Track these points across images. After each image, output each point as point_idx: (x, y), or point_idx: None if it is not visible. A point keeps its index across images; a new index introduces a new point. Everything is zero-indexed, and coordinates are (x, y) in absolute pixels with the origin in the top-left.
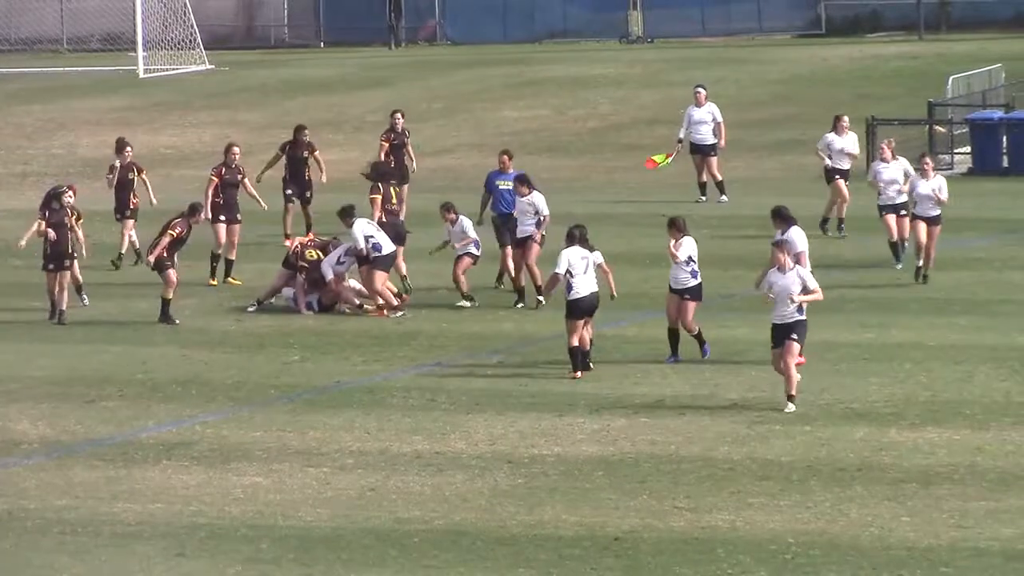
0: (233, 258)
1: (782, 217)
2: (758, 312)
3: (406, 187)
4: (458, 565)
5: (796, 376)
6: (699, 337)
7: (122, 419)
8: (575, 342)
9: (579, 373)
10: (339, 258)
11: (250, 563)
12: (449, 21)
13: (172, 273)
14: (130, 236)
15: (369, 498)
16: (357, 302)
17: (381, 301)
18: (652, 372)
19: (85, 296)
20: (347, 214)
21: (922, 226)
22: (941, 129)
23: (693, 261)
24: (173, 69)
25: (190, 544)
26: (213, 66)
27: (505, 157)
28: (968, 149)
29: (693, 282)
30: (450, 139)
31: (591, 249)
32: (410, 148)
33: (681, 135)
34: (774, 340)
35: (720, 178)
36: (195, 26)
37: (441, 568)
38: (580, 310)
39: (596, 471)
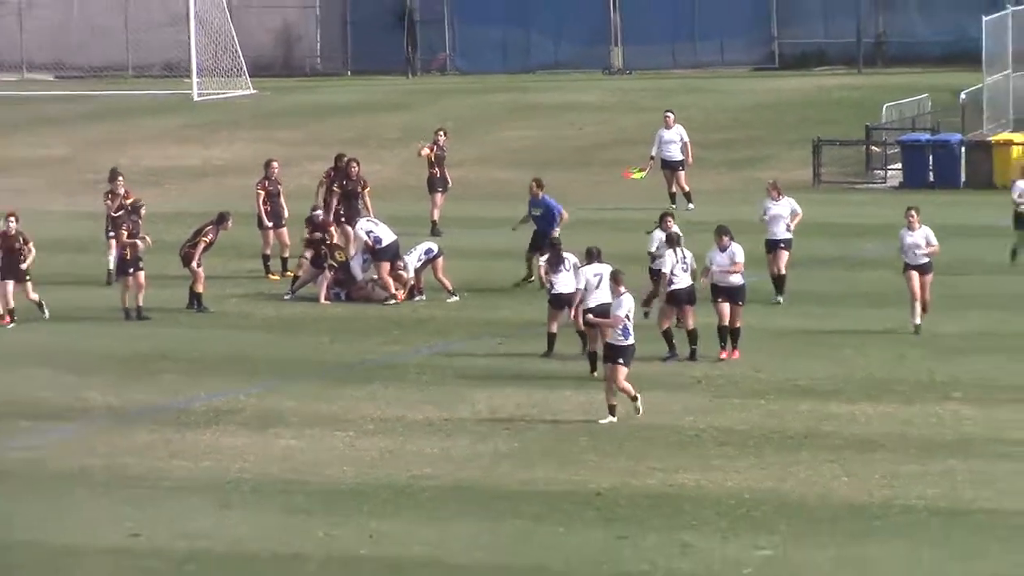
0: (287, 255)
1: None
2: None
3: (444, 194)
4: (463, 515)
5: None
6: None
7: (177, 390)
8: (594, 348)
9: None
10: (362, 258)
11: (286, 513)
12: (458, 54)
13: (201, 271)
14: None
15: (387, 458)
16: (384, 295)
17: (393, 287)
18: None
19: (46, 311)
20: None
21: (914, 275)
22: (876, 149)
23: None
24: (222, 93)
25: (235, 497)
26: (256, 91)
27: (533, 185)
28: (900, 166)
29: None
30: (458, 155)
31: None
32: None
33: (653, 152)
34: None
35: (687, 189)
36: (241, 56)
37: (448, 518)
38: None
39: (581, 437)
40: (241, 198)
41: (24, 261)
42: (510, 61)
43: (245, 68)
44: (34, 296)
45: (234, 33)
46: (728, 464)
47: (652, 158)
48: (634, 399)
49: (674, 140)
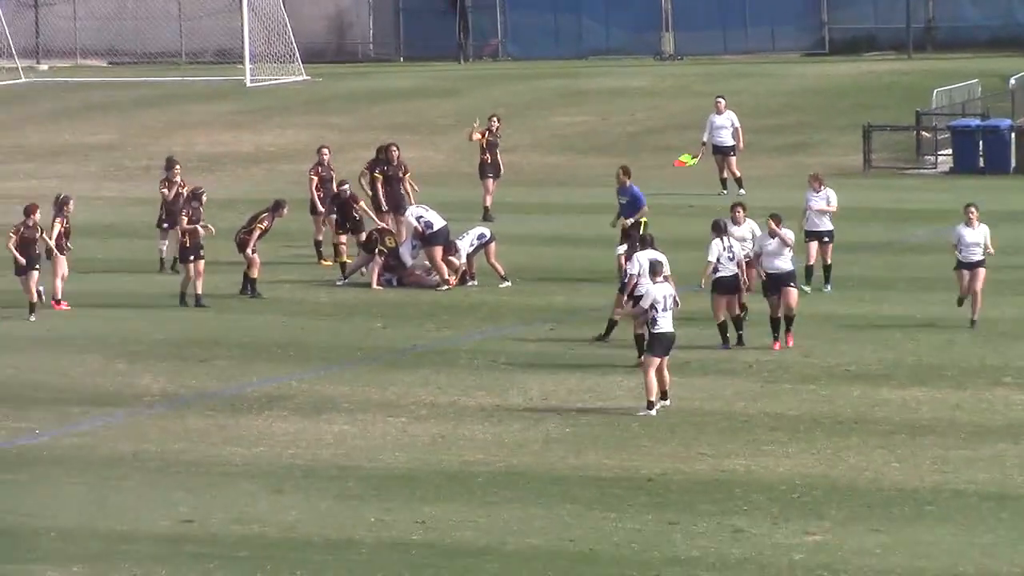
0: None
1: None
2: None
3: (497, 180)
4: (515, 501)
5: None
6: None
7: (230, 376)
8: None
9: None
10: (412, 244)
11: (339, 499)
12: (510, 40)
13: (256, 257)
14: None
15: (440, 444)
16: (436, 280)
17: (446, 273)
18: (680, 338)
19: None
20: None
21: (966, 274)
22: (927, 134)
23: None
24: (275, 79)
25: (288, 482)
26: (309, 77)
27: (620, 172)
28: (950, 152)
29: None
30: (510, 140)
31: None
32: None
33: (704, 138)
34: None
35: (739, 174)
36: (294, 43)
37: (500, 503)
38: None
39: (632, 422)
40: (294, 184)
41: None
42: (561, 47)
43: (298, 54)
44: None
45: (287, 19)
46: (779, 449)
47: (703, 144)
48: (662, 395)
49: (725, 126)
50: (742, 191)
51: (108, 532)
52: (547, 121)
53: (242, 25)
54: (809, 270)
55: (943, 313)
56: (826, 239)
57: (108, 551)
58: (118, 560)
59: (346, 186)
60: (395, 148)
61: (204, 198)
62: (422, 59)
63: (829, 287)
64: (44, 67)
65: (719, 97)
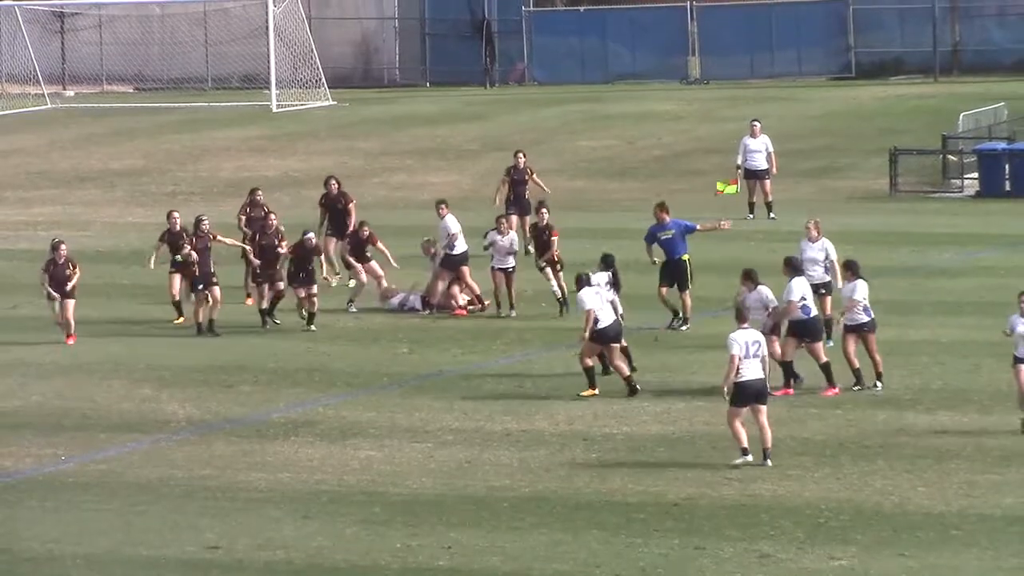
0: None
1: (791, 266)
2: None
3: (527, 218)
4: (541, 526)
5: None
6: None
7: (256, 402)
8: None
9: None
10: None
11: (365, 524)
12: (536, 65)
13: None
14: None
15: (466, 469)
16: (462, 301)
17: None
18: (707, 363)
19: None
20: (443, 203)
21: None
22: (953, 158)
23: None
24: (301, 104)
25: (314, 508)
26: (335, 102)
27: (658, 210)
28: (976, 175)
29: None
30: (536, 165)
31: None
32: (536, 178)
33: (739, 161)
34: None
35: (770, 199)
36: (320, 68)
37: (527, 528)
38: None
39: (658, 447)
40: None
41: (70, 281)
42: (587, 71)
43: (324, 79)
44: (70, 312)
45: (313, 45)
46: (805, 474)
47: (739, 167)
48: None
49: (759, 149)
50: (772, 215)
51: (134, 558)
52: (573, 145)
53: (268, 51)
54: (826, 323)
55: (969, 337)
56: (823, 291)
57: None
58: None
59: (310, 235)
60: (522, 154)
61: (205, 226)
62: (448, 84)
63: (831, 342)
64: (70, 93)
65: (754, 120)
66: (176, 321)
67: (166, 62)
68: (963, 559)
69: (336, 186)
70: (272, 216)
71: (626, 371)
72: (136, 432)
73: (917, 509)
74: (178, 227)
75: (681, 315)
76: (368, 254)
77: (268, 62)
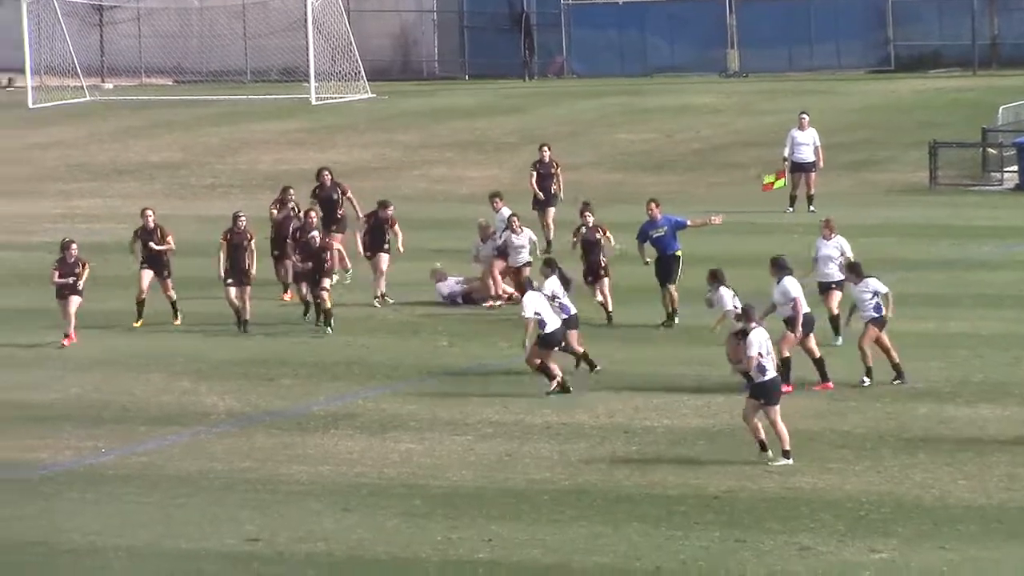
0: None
1: (778, 266)
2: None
3: (551, 210)
4: (581, 519)
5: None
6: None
7: (296, 395)
8: None
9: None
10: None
11: (405, 517)
12: (574, 57)
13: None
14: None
15: (506, 462)
16: (505, 294)
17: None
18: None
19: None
20: (497, 195)
21: None
22: (992, 151)
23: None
24: (340, 97)
25: (354, 500)
26: (374, 95)
27: (652, 205)
28: (1016, 168)
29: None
30: (575, 157)
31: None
32: (559, 172)
33: (786, 154)
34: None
35: (813, 192)
36: (359, 61)
37: (567, 521)
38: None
39: (699, 440)
40: (362, 200)
41: (80, 279)
42: (626, 64)
43: (363, 72)
44: (72, 308)
45: (352, 37)
46: (846, 467)
47: (785, 159)
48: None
49: (807, 142)
50: (812, 209)
51: (175, 550)
52: (611, 138)
53: (307, 43)
54: (833, 320)
55: (1009, 330)
56: (834, 286)
57: (174, 570)
58: None
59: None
60: (547, 147)
61: (242, 222)
62: (487, 77)
63: (840, 339)
64: (109, 85)
65: (803, 113)
66: (136, 324)
67: (205, 55)
68: (1004, 552)
69: (329, 177)
70: (312, 213)
71: (580, 351)
72: (176, 425)
73: (958, 502)
74: (152, 224)
75: (669, 312)
76: (387, 241)
77: (307, 55)
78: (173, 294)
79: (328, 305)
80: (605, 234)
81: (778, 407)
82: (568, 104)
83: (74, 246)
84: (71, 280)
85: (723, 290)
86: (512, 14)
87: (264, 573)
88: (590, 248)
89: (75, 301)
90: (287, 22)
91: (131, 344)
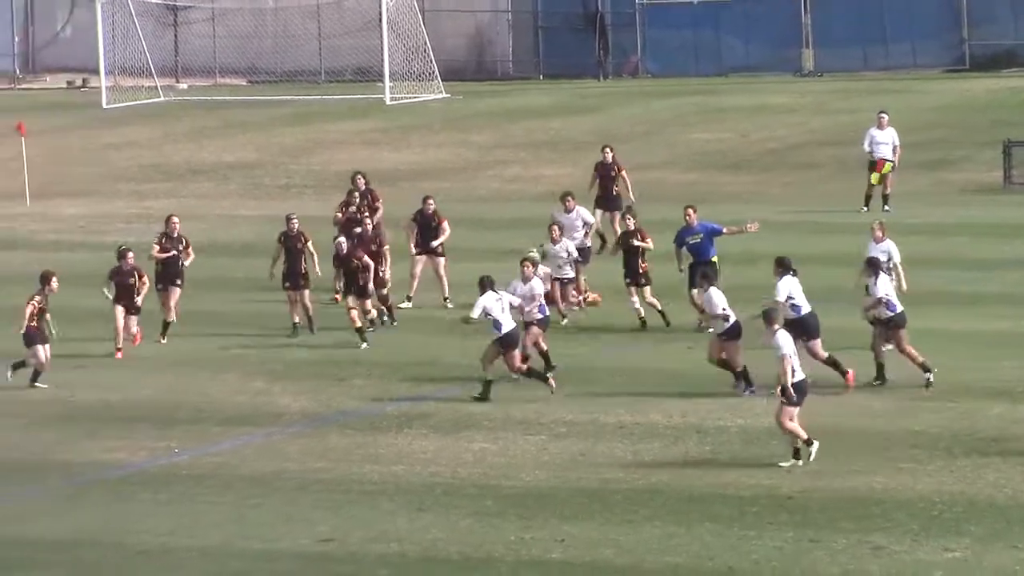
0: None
1: (783, 266)
2: (907, 305)
3: (617, 214)
4: (654, 519)
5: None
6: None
7: (369, 395)
8: None
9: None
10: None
11: (478, 516)
12: (649, 57)
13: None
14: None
15: (580, 462)
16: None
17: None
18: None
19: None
20: (569, 194)
21: None
22: None
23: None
24: (415, 97)
25: (427, 500)
26: (449, 95)
27: (690, 211)
28: None
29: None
30: (649, 157)
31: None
32: (625, 174)
33: (867, 149)
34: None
35: (889, 191)
36: (434, 61)
37: (640, 521)
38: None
39: (772, 440)
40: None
41: (139, 294)
42: (701, 64)
43: (438, 72)
44: (133, 327)
45: (427, 38)
46: (918, 467)
47: (870, 153)
48: (807, 443)
49: (886, 141)
50: (887, 208)
51: (248, 551)
52: (686, 138)
53: (382, 43)
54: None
55: None
56: None
57: (248, 570)
58: None
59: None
60: (609, 148)
61: (295, 224)
62: (561, 77)
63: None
64: (183, 86)
65: (882, 112)
66: (161, 340)
67: (279, 55)
68: None
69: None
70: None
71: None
72: (250, 425)
73: None
74: (176, 232)
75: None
76: (438, 241)
77: (382, 55)
78: (174, 316)
79: (357, 324)
80: (644, 239)
81: (797, 409)
82: (642, 104)
83: (130, 255)
84: (134, 300)
85: (712, 290)
86: (587, 14)
87: (337, 573)
88: (631, 253)
89: (133, 320)
90: (362, 22)
91: (204, 345)
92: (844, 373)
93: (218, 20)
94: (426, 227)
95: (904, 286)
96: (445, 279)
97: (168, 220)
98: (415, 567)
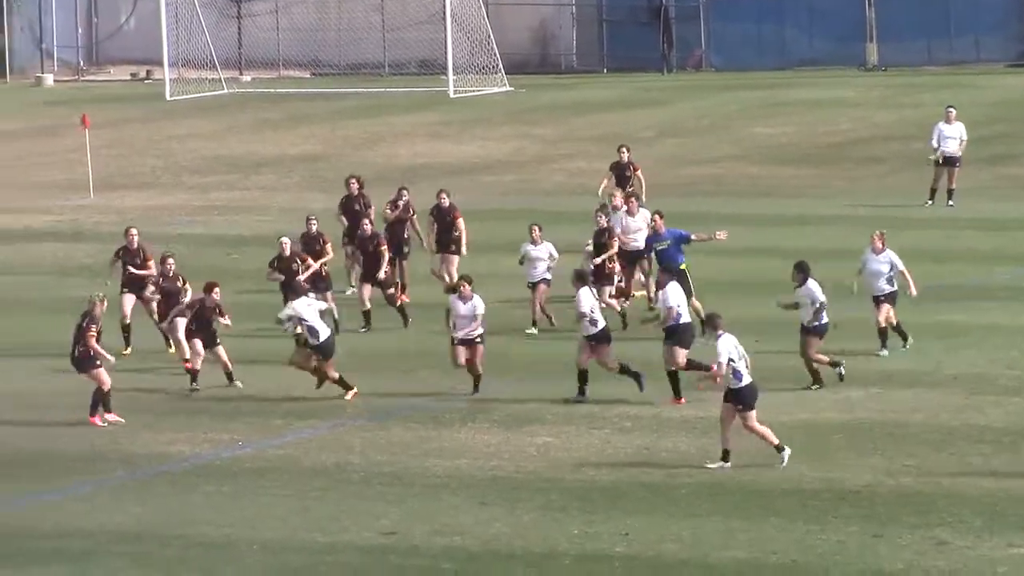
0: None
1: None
2: (971, 300)
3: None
4: (717, 513)
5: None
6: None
7: (433, 388)
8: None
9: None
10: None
11: (542, 510)
12: (713, 51)
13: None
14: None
15: (644, 456)
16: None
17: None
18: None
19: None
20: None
21: None
22: None
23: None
24: (478, 90)
25: (491, 494)
26: (512, 88)
27: (658, 217)
28: None
29: None
30: (713, 151)
31: None
32: (640, 174)
33: (935, 143)
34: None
35: (953, 187)
36: (497, 54)
37: (703, 516)
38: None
39: (836, 434)
40: (500, 194)
41: (183, 300)
42: (765, 57)
43: (501, 65)
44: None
45: (490, 31)
46: (983, 462)
47: (936, 148)
48: (778, 448)
49: (953, 136)
50: (951, 203)
51: (310, 544)
52: (750, 132)
53: (445, 36)
54: (882, 332)
55: None
56: (883, 299)
57: (311, 563)
58: (321, 571)
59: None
60: (626, 149)
61: (314, 226)
62: (625, 70)
63: (886, 351)
64: (247, 78)
65: (949, 107)
66: (124, 352)
67: (343, 48)
68: None
69: (356, 185)
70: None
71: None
72: (313, 418)
73: None
74: (135, 245)
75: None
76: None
77: (445, 48)
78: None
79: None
80: (611, 240)
81: (753, 412)
82: (706, 97)
83: (171, 260)
84: (212, 327)
85: (670, 288)
86: (651, 7)
87: (400, 566)
88: (599, 251)
89: (180, 323)
90: (425, 15)
91: (267, 338)
92: (835, 366)
93: (282, 12)
94: (443, 222)
95: (914, 291)
96: (447, 277)
97: (126, 233)
98: (478, 561)
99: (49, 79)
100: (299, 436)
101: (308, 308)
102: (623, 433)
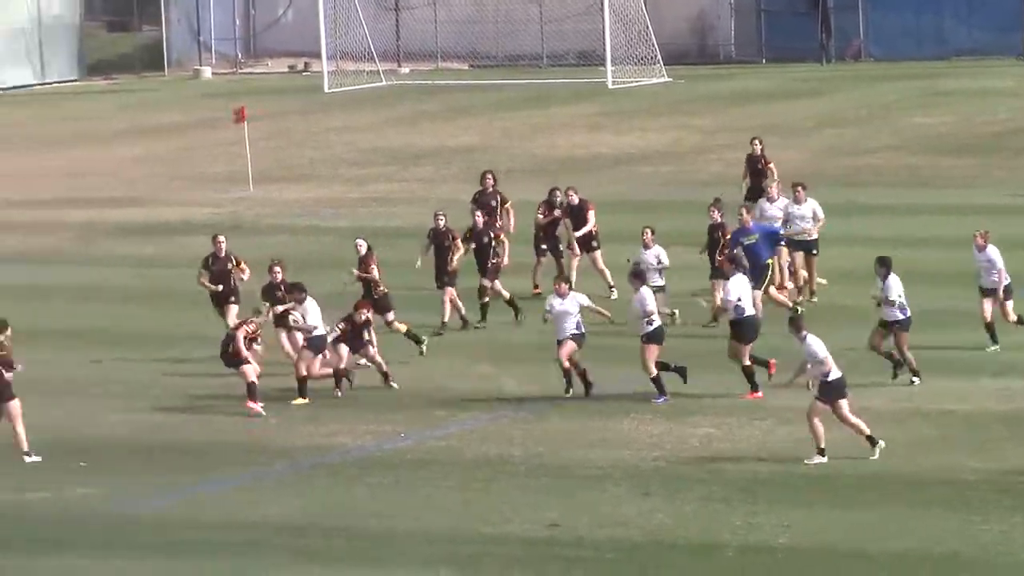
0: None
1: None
2: None
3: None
4: (879, 504)
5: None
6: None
7: (594, 378)
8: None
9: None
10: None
11: (703, 502)
12: (872, 41)
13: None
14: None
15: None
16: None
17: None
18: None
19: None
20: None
21: None
22: None
23: None
24: (637, 81)
25: (654, 485)
26: (671, 79)
27: (743, 210)
28: None
29: None
30: (872, 141)
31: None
32: (772, 166)
33: None
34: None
35: None
36: (656, 45)
37: (864, 507)
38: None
39: (997, 424)
40: (660, 185)
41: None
42: (923, 47)
43: (659, 56)
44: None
45: (648, 22)
46: None
47: None
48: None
49: None
50: None
51: (473, 535)
52: (909, 122)
53: (604, 27)
54: (989, 327)
55: None
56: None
57: (476, 553)
58: (486, 563)
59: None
60: (759, 141)
61: (442, 222)
62: (783, 60)
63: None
64: (405, 70)
65: None
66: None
67: (501, 40)
68: None
69: (492, 182)
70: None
71: None
72: (474, 409)
73: None
74: (223, 252)
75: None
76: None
77: (603, 39)
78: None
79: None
80: (725, 236)
81: (845, 401)
82: (865, 88)
83: (222, 240)
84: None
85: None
86: None
87: (565, 557)
88: (713, 246)
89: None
90: (583, 6)
91: (426, 328)
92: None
93: (439, 5)
94: (577, 218)
95: (1003, 282)
96: (571, 272)
97: (214, 240)
98: (642, 551)
99: (207, 72)
100: (461, 427)
101: (315, 309)
102: (785, 424)
